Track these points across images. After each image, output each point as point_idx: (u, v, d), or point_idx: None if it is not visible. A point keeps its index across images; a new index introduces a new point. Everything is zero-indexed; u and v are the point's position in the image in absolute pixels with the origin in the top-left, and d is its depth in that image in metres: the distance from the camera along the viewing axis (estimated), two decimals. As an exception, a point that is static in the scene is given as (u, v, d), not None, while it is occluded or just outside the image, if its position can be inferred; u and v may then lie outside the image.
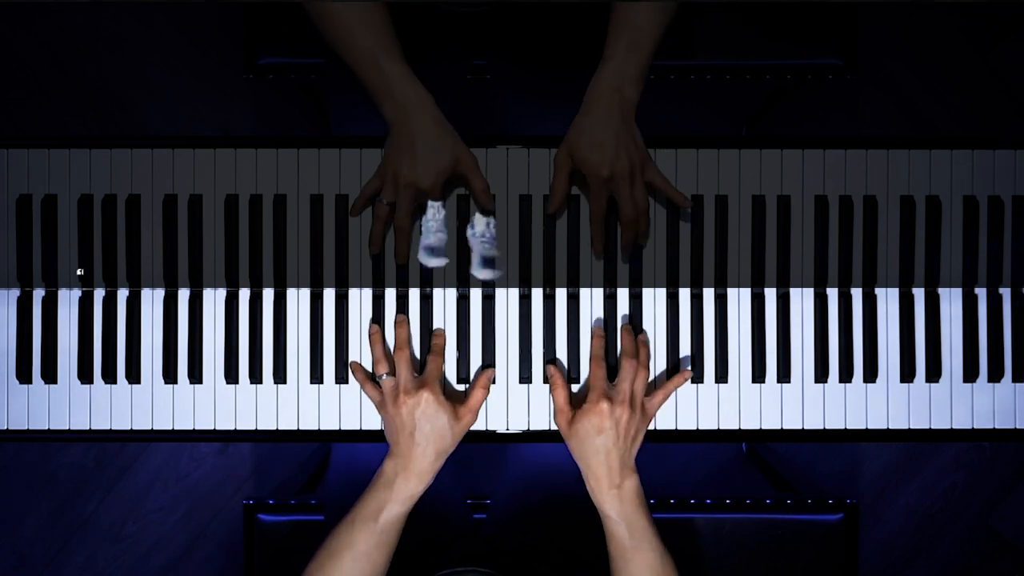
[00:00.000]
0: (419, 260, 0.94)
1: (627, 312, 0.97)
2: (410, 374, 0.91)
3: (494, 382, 0.97)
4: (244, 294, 0.97)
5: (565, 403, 0.92)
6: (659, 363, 0.97)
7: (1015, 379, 0.98)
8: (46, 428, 0.97)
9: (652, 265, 0.97)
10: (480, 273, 0.95)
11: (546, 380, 0.96)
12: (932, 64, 1.74)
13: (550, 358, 0.97)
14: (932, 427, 0.97)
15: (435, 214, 0.92)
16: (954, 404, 0.97)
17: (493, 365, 0.96)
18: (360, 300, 0.97)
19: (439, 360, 0.93)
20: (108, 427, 0.97)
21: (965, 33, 1.74)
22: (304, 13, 0.94)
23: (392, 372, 0.92)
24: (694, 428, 0.97)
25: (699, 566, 1.15)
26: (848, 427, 0.97)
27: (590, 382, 0.91)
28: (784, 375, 0.97)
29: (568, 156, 0.92)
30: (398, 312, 0.96)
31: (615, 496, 0.86)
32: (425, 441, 0.88)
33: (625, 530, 0.86)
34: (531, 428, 0.97)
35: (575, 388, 0.97)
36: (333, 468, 1.11)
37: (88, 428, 0.96)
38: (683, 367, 0.97)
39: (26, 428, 0.97)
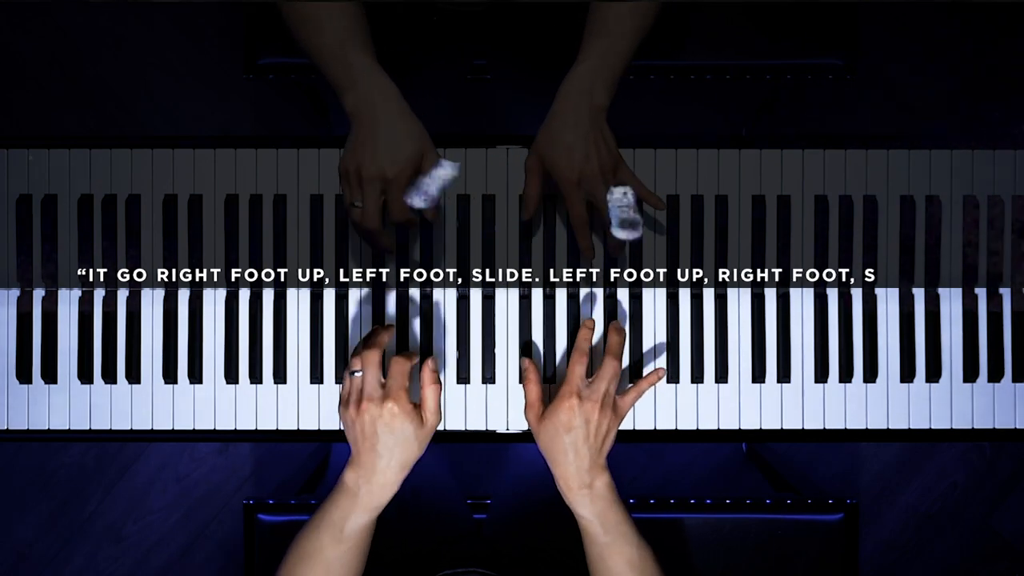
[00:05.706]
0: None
1: (627, 312, 0.97)
2: (376, 380, 0.83)
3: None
4: (244, 294, 0.97)
5: (537, 399, 0.90)
6: (659, 363, 0.97)
7: (1015, 379, 0.98)
8: (46, 428, 0.97)
9: (652, 265, 0.97)
10: (619, 234, 0.89)
11: (551, 380, 0.96)
12: (932, 64, 1.74)
13: (524, 352, 0.96)
14: (932, 427, 0.97)
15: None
16: (954, 404, 0.97)
17: (493, 365, 0.97)
18: (360, 300, 0.97)
19: (404, 364, 0.85)
20: (108, 427, 0.97)
21: (965, 33, 1.74)
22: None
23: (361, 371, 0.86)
24: (694, 428, 0.97)
25: (699, 566, 1.15)
26: (848, 427, 0.97)
27: (566, 375, 0.88)
28: (784, 375, 0.97)
29: (538, 160, 0.90)
30: (398, 312, 0.96)
31: (586, 495, 0.85)
32: (388, 454, 0.83)
33: (599, 527, 0.85)
34: (531, 428, 0.97)
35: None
36: (333, 468, 1.11)
37: (88, 428, 0.97)
38: (652, 366, 0.96)
39: (26, 428, 0.97)
